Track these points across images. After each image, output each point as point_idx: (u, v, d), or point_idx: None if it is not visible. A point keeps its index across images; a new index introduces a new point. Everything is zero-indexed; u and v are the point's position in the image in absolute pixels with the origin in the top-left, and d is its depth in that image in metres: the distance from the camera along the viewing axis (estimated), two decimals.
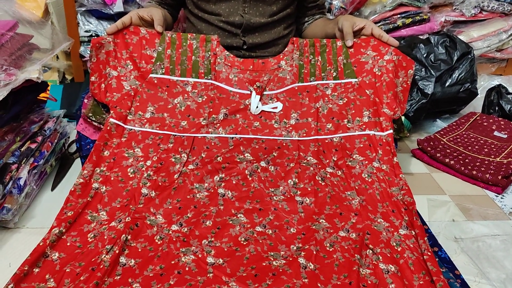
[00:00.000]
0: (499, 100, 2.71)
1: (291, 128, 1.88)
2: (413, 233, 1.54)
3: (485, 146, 2.35)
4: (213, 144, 1.82)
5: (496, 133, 2.47)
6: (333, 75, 1.98)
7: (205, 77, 1.96)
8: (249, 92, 1.93)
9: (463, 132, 2.50)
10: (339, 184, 1.72)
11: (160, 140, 1.81)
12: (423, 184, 2.15)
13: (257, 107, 1.88)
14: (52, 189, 1.92)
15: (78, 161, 2.16)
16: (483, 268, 1.60)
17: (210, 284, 1.33)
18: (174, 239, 1.49)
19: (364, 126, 1.86)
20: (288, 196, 1.67)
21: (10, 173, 1.67)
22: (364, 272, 1.40)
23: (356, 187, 1.71)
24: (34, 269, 1.35)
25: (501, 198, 2.05)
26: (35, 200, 1.85)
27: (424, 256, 1.43)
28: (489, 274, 1.58)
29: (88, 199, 1.60)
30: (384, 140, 1.81)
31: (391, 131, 1.83)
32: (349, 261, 1.43)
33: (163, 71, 1.95)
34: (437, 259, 1.48)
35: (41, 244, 1.42)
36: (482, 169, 2.11)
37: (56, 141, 1.98)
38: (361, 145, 1.83)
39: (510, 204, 2.00)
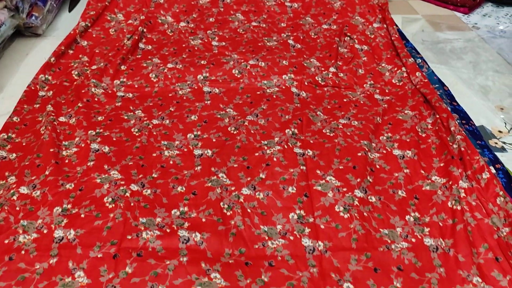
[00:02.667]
0: None
1: None
2: (385, 26, 1.83)
3: None
4: None
5: None
6: None
7: None
8: None
9: None
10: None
11: None
12: (400, 8, 2.41)
13: None
14: (70, 11, 2.17)
15: None
16: (443, 59, 1.92)
17: (215, 56, 1.64)
18: (183, 31, 1.77)
19: None
20: (279, 2, 1.93)
21: None
22: (342, 51, 1.70)
23: None
24: (68, 50, 1.64)
25: (467, 17, 2.32)
26: (56, 18, 2.10)
27: (392, 38, 1.73)
28: (448, 62, 1.90)
29: (106, 3, 1.85)
30: None
31: None
32: (330, 42, 1.74)
33: None
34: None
35: (71, 32, 1.70)
36: None
37: None
38: None
39: (474, 21, 2.28)
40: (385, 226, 1.10)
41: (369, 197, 1.16)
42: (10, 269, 0.97)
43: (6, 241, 1.02)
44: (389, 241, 1.06)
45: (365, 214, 1.11)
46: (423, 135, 1.36)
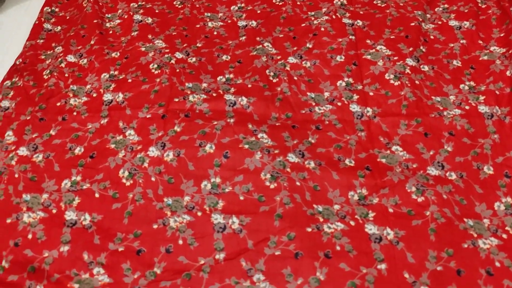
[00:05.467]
0: None
1: None
2: None
3: None
4: None
5: None
6: None
7: None
8: None
9: None
10: None
11: None
12: None
13: None
14: None
15: None
16: None
17: None
18: None
19: None
20: None
21: None
22: None
23: None
24: None
25: None
26: None
27: None
28: None
29: None
30: None
31: None
32: None
33: None
34: None
35: None
36: None
37: None
38: None
39: None
40: (438, 93, 1.06)
41: (421, 66, 1.11)
42: (64, 128, 1.01)
43: (58, 104, 1.06)
44: (441, 108, 1.03)
45: (416, 82, 1.07)
46: (483, 6, 1.26)
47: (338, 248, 0.83)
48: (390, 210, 0.88)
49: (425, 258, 0.81)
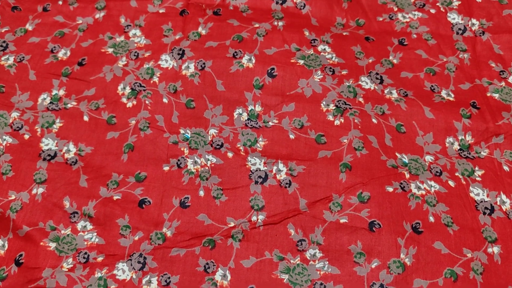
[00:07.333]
0: None
1: None
2: None
3: None
4: None
5: None
6: None
7: None
8: None
9: None
10: None
11: None
12: None
13: None
14: None
15: None
16: None
17: None
18: None
19: None
20: None
21: None
22: None
23: None
24: None
25: None
26: None
27: None
28: None
29: None
30: None
31: None
32: None
33: None
34: None
35: None
36: None
37: None
38: None
39: None
40: None
41: None
42: (44, 21, 0.76)
43: None
44: None
45: None
46: None
47: (431, 219, 0.57)
48: (506, 168, 0.61)
49: None
